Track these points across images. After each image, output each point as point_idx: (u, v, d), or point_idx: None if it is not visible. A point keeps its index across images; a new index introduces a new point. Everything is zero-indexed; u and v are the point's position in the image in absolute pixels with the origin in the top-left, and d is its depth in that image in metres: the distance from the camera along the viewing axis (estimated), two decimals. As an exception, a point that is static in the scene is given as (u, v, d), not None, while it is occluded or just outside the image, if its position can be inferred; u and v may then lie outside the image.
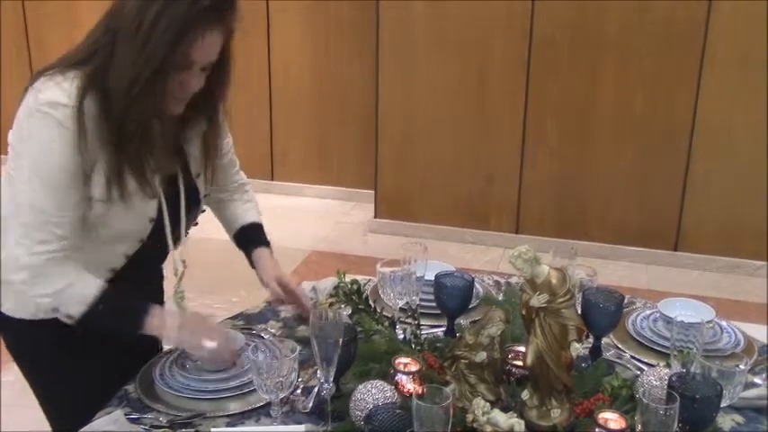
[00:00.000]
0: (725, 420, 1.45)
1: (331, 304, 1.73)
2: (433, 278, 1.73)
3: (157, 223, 1.59)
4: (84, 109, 1.41)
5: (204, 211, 1.82)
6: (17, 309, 1.61)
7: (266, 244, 1.87)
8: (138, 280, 1.62)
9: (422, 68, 4.39)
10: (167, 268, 1.79)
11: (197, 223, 1.80)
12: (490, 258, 4.34)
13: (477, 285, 1.86)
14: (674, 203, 4.25)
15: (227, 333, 1.61)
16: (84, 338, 1.56)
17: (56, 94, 1.41)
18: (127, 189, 1.49)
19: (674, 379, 1.34)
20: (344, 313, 1.68)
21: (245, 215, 1.89)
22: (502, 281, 2.06)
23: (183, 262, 1.73)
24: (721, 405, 1.34)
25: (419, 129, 4.52)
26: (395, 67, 4.43)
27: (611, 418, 1.35)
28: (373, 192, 4.73)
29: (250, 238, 1.87)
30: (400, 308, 1.71)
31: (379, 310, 1.73)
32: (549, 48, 4.18)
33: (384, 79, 4.46)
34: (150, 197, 1.55)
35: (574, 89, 4.21)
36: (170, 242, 1.64)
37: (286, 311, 1.91)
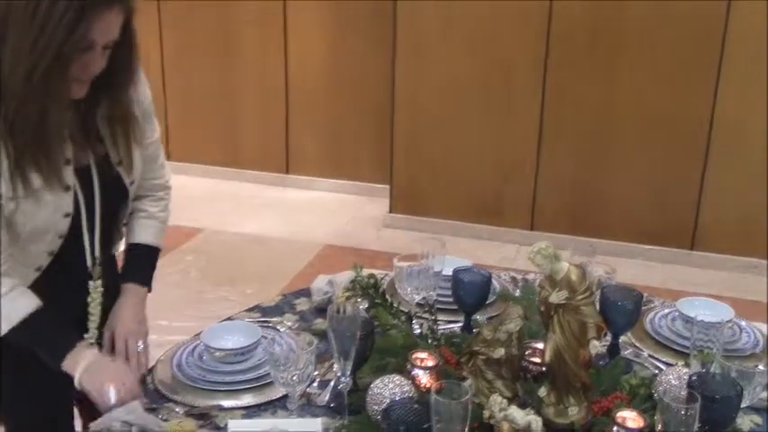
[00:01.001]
0: (744, 421, 1.44)
1: (347, 298, 1.72)
2: (450, 273, 1.73)
3: (76, 218, 1.52)
4: None
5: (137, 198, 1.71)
6: None
7: (146, 281, 1.71)
8: (65, 278, 1.57)
9: (438, 64, 4.37)
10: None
11: (132, 212, 1.72)
12: (505, 255, 4.33)
13: (493, 281, 1.85)
14: (690, 202, 4.22)
15: (131, 380, 1.46)
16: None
17: None
18: (31, 184, 1.43)
19: (693, 378, 1.33)
20: (361, 307, 1.67)
21: (142, 232, 1.74)
22: (518, 277, 2.05)
23: (96, 260, 1.60)
24: (741, 405, 1.33)
25: (434, 124, 4.51)
26: (411, 62, 4.41)
27: (629, 416, 1.34)
28: (388, 187, 4.72)
29: (134, 262, 1.72)
30: (417, 303, 1.70)
31: (395, 305, 1.73)
32: (566, 45, 4.14)
33: (400, 75, 4.45)
34: (63, 190, 1.48)
35: (592, 86, 4.18)
36: (85, 234, 1.55)
37: (301, 304, 1.91)
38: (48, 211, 1.47)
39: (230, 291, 3.78)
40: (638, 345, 1.72)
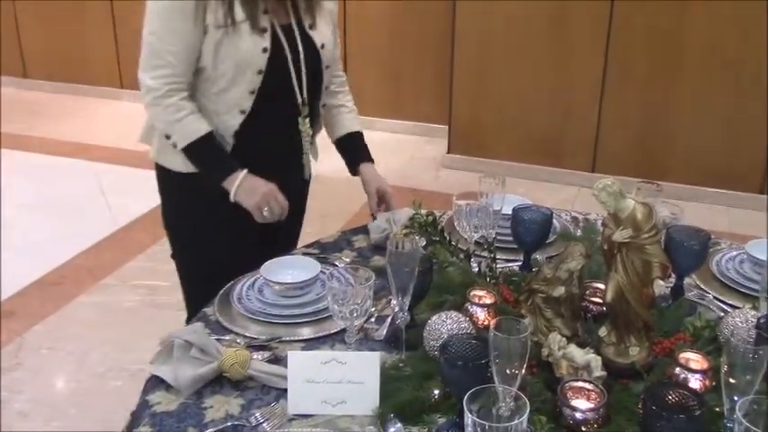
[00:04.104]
0: (813, 366, 1.39)
1: (406, 235, 1.71)
2: (509, 212, 1.70)
3: (273, 56, 1.75)
4: None
5: (328, 66, 1.90)
6: (179, 163, 1.83)
7: (371, 159, 2.05)
8: (274, 119, 1.83)
9: (500, 2, 4.25)
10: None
11: (327, 87, 1.95)
12: (565, 197, 4.26)
13: (554, 221, 1.82)
14: (761, 144, 4.06)
15: (281, 197, 1.79)
16: (232, 219, 1.81)
17: None
18: (235, 15, 1.69)
19: (762, 321, 1.29)
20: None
21: (351, 124, 2.06)
22: (579, 217, 2.01)
23: (305, 99, 1.85)
24: (811, 350, 1.29)
25: (495, 63, 4.41)
26: (472, 1, 4.30)
27: (692, 358, 1.32)
28: (447, 127, 4.67)
29: (356, 149, 2.06)
30: (476, 241, 1.68)
31: (453, 243, 1.72)
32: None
33: (461, 12, 4.35)
34: (260, 31, 1.72)
35: (660, 24, 4.02)
36: (292, 73, 1.80)
37: (359, 241, 1.91)
38: (247, 44, 1.72)
39: (289, 229, 3.82)
40: (703, 287, 1.68)
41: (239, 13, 1.70)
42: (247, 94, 1.76)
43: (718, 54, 3.98)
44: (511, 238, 1.72)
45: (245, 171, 1.77)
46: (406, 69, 5.06)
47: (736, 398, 1.11)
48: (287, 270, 1.65)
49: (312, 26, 1.84)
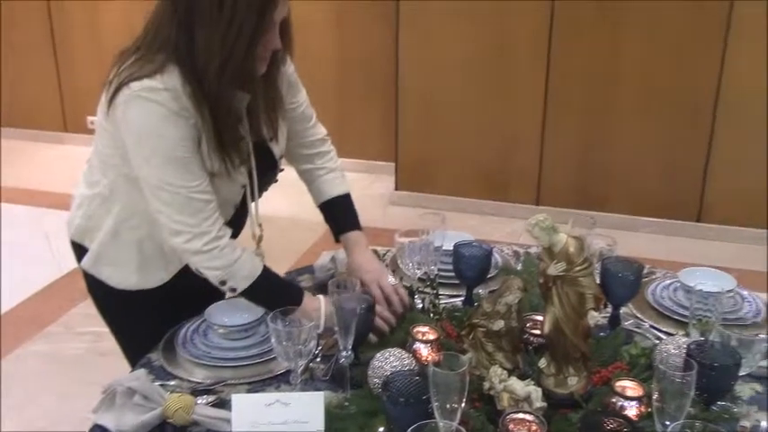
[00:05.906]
0: (744, 389, 1.44)
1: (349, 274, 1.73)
2: (451, 248, 1.73)
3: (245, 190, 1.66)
4: (181, 89, 1.45)
5: (282, 170, 1.80)
6: (120, 280, 1.70)
7: (357, 226, 1.83)
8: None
9: (442, 37, 4.35)
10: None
11: (276, 180, 1.81)
12: (511, 230, 4.33)
13: (495, 255, 1.86)
14: (697, 173, 4.20)
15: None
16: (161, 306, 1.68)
17: (150, 80, 1.44)
18: (235, 160, 1.55)
19: (692, 347, 1.34)
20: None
21: (332, 187, 1.87)
22: (521, 251, 2.06)
23: (260, 225, 1.74)
24: (741, 374, 1.34)
25: (440, 100, 4.49)
26: (414, 36, 4.39)
27: (628, 386, 1.36)
28: (394, 164, 4.72)
29: (338, 216, 1.85)
30: (419, 278, 1.71)
31: (397, 280, 1.74)
32: (571, 17, 4.11)
33: (404, 49, 4.43)
34: (240, 164, 1.59)
35: (596, 59, 4.15)
36: (252, 206, 1.70)
37: (305, 281, 1.92)
38: (231, 183, 1.60)
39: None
40: (639, 316, 1.73)
41: (236, 159, 1.56)
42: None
43: (653, 87, 4.12)
44: (453, 274, 1.75)
45: (317, 296, 1.63)
46: (352, 108, 5.11)
47: (667, 422, 1.15)
48: (231, 312, 1.65)
49: (273, 138, 1.69)
